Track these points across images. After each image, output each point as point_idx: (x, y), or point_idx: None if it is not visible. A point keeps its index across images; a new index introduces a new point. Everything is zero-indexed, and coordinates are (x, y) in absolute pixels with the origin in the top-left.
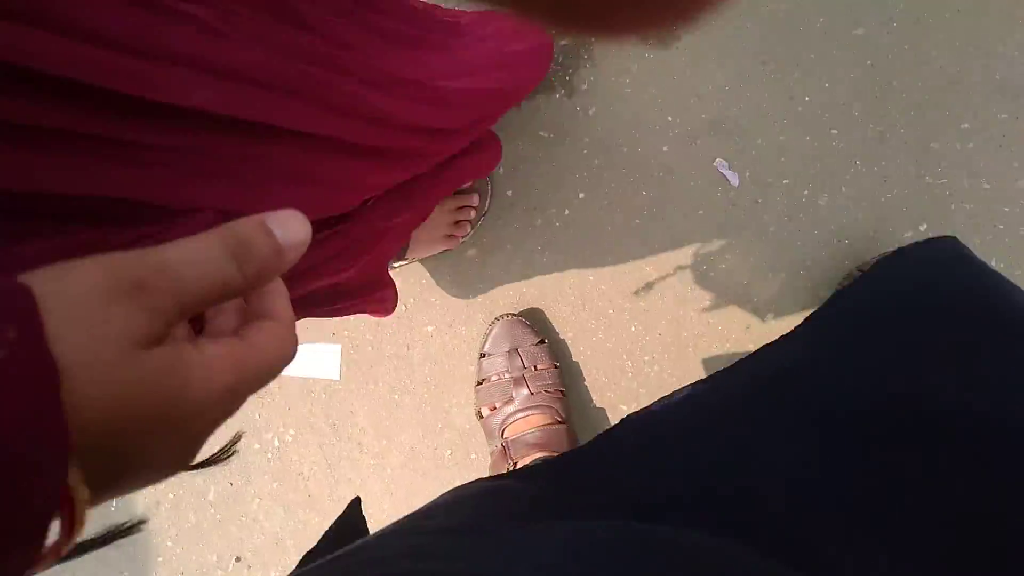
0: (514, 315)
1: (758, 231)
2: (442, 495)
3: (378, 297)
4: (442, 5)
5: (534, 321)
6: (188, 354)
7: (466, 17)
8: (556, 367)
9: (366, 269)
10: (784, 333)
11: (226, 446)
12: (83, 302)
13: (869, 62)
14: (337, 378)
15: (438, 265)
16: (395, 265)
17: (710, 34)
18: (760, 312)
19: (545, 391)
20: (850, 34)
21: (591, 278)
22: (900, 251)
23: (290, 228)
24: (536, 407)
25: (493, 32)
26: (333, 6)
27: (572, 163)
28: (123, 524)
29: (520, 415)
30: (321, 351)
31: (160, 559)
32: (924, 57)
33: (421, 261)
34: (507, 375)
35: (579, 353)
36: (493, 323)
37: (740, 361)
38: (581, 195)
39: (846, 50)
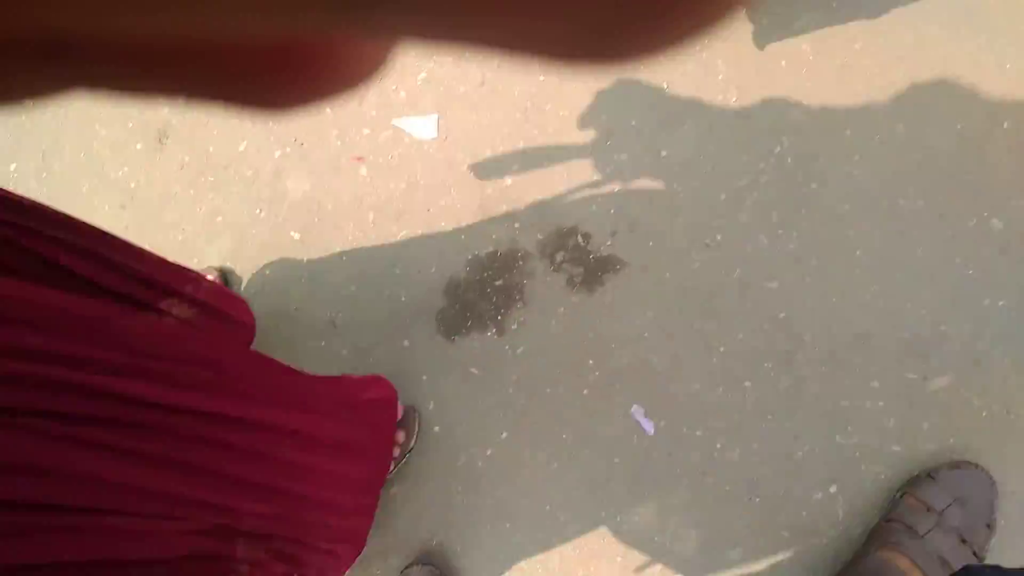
0: (427, 564)
1: (671, 483)
2: None
3: None
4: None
5: (447, 569)
6: None
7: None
8: None
9: None
10: None
11: None
12: None
13: (782, 315)
14: None
15: None
16: None
17: (632, 285)
18: (671, 571)
19: None
20: (764, 287)
21: (507, 525)
22: None
23: None
24: None
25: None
26: None
27: (498, 401)
28: None
29: None
30: None
31: None
32: (835, 313)
33: None
34: None
35: None
36: (405, 571)
37: None
38: (504, 435)
39: (760, 303)
